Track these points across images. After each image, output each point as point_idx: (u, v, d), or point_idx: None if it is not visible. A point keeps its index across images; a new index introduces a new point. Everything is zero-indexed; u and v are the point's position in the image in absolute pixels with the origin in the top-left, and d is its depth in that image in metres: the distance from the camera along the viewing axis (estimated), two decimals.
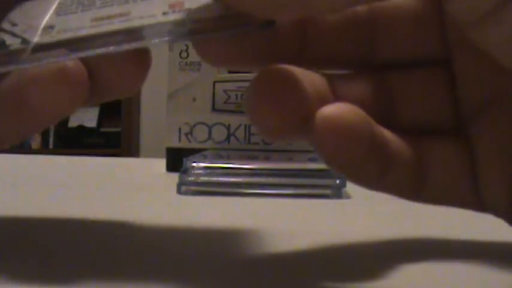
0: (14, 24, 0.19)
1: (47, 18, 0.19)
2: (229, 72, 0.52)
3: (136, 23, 0.18)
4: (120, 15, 0.18)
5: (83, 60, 0.18)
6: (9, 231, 0.24)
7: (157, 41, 0.17)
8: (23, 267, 0.18)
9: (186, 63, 0.52)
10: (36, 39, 0.18)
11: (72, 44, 0.18)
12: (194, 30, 0.17)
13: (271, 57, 0.18)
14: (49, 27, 0.18)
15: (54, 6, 0.19)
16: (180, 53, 0.52)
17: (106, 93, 0.19)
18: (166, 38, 0.17)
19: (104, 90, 0.19)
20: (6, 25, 0.19)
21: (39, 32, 0.18)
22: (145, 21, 0.17)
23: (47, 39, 0.18)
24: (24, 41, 0.18)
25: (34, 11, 0.19)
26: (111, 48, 0.17)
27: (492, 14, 0.16)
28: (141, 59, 0.18)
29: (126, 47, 0.17)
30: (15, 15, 0.19)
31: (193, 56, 0.52)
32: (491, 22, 0.16)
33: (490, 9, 0.16)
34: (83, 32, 0.18)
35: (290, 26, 0.19)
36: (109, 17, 0.18)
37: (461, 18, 0.17)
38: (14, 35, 0.18)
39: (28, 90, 0.17)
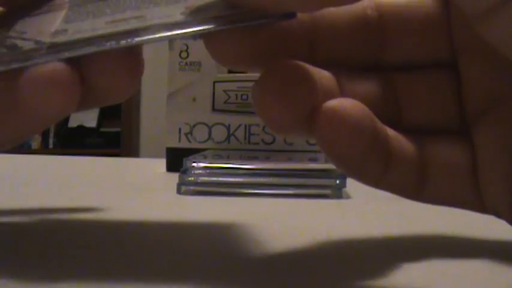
0: (23, 32, 0.19)
1: (57, 24, 0.19)
2: (229, 72, 0.52)
3: (155, 21, 0.18)
4: (136, 17, 0.18)
5: (76, 64, 0.18)
6: (9, 231, 0.24)
7: (179, 32, 0.17)
8: (22, 267, 0.18)
9: (186, 63, 0.52)
10: (51, 39, 0.18)
11: (89, 42, 0.17)
12: (213, 23, 0.17)
13: (281, 57, 0.19)
14: (62, 31, 0.18)
15: (60, 17, 0.19)
16: (180, 53, 0.52)
17: (99, 98, 0.19)
18: (191, 29, 0.17)
19: (96, 95, 0.19)
20: (14, 33, 0.19)
21: (53, 34, 0.18)
22: (164, 20, 0.17)
23: (63, 39, 0.18)
24: (38, 43, 0.18)
25: (40, 22, 0.19)
26: (128, 42, 0.17)
27: (498, 7, 0.16)
28: (134, 65, 0.18)
29: (140, 40, 0.17)
30: (22, 25, 0.19)
31: (193, 56, 0.52)
32: (498, 15, 0.16)
33: (496, 1, 0.16)
34: (100, 31, 0.18)
35: (301, 27, 0.19)
36: (125, 19, 0.18)
37: (468, 11, 0.17)
38: (24, 39, 0.18)
39: (21, 92, 0.17)
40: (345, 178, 0.36)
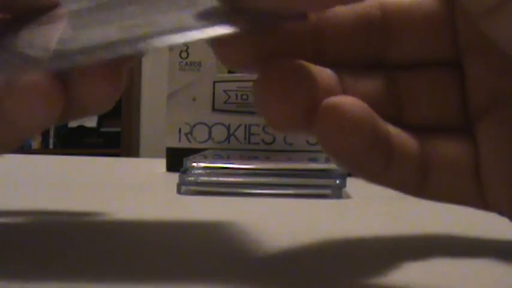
0: (31, 40, 0.19)
1: (65, 33, 0.18)
2: (229, 72, 0.52)
3: (168, 26, 0.17)
4: (147, 23, 0.18)
5: (60, 76, 0.18)
6: (9, 231, 0.24)
7: (198, 36, 0.17)
8: (22, 267, 0.18)
9: (186, 63, 0.52)
10: (61, 47, 0.18)
11: (102, 48, 0.17)
12: (224, 22, 0.17)
13: (286, 57, 0.19)
14: (71, 39, 0.18)
15: (67, 26, 0.19)
16: (180, 53, 0.52)
17: (80, 109, 0.19)
18: (209, 33, 0.17)
19: (78, 107, 0.19)
20: (21, 41, 0.19)
21: (62, 42, 0.18)
22: (177, 25, 0.17)
23: (73, 46, 0.17)
24: (47, 50, 0.18)
25: (47, 31, 0.19)
26: (143, 46, 0.17)
27: (502, 3, 0.16)
28: (116, 77, 0.18)
29: (155, 44, 0.17)
30: (28, 34, 0.19)
31: (193, 56, 0.52)
32: (502, 12, 0.16)
33: None
34: (112, 38, 0.17)
35: (305, 27, 0.19)
36: (137, 26, 0.18)
37: (471, 8, 0.17)
38: (33, 47, 0.18)
39: (3, 102, 0.17)
40: (345, 178, 0.36)
